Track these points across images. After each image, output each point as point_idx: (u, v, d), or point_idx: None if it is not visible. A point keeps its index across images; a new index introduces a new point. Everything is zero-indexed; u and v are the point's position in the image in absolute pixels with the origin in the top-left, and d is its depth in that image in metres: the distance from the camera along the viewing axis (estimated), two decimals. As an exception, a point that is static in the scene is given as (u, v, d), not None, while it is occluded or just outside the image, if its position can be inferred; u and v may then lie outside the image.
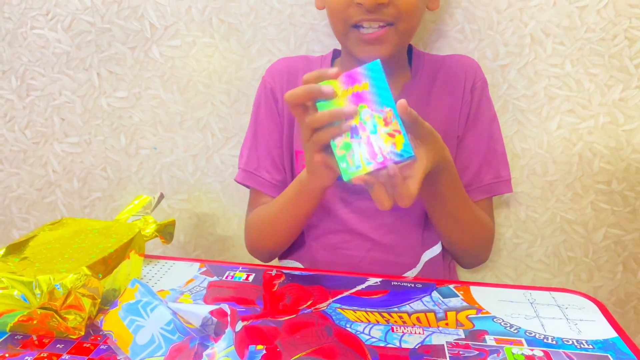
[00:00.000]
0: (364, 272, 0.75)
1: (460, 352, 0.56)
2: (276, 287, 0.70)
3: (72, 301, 0.56)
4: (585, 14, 0.88)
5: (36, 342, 0.57)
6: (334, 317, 0.62)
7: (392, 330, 0.60)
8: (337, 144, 0.55)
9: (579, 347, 0.58)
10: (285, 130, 0.84)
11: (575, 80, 0.91)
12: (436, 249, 0.84)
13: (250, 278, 0.72)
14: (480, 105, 0.83)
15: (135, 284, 0.58)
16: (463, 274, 0.98)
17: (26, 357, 0.54)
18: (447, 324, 0.62)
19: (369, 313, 0.64)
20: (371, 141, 0.54)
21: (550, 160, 0.95)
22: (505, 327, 0.61)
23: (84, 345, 0.56)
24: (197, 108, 1.01)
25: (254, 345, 0.56)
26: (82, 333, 0.58)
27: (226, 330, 0.51)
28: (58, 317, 0.56)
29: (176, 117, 1.02)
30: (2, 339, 0.57)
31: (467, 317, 0.63)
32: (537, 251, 0.99)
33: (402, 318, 0.63)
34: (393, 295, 0.68)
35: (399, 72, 0.83)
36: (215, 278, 0.72)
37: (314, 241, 0.85)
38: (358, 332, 0.59)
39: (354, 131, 0.55)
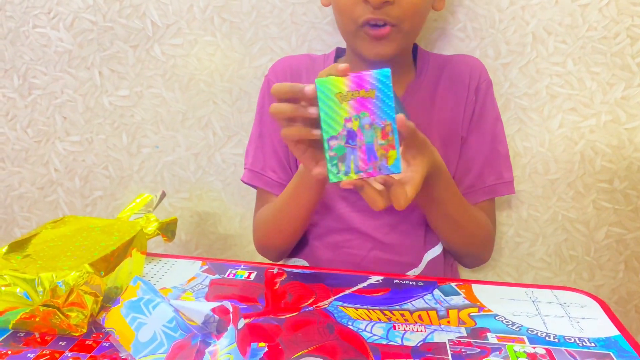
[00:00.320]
0: (366, 270, 0.75)
1: (462, 350, 0.56)
2: (278, 285, 0.70)
3: (74, 299, 0.57)
4: (587, 12, 0.88)
5: (38, 340, 0.57)
6: (335, 315, 0.62)
7: (394, 328, 0.60)
8: (331, 146, 0.55)
9: (581, 345, 0.58)
10: None
11: (577, 79, 0.91)
12: (438, 249, 0.84)
13: (252, 276, 0.72)
14: (485, 106, 0.83)
15: (138, 281, 0.58)
16: (465, 273, 0.98)
17: (29, 354, 0.54)
18: (449, 322, 0.62)
19: (370, 311, 0.64)
20: (365, 150, 0.55)
21: (552, 159, 0.95)
22: (507, 325, 0.61)
23: (87, 342, 0.57)
24: (199, 107, 1.01)
25: (256, 343, 0.56)
26: (85, 330, 0.58)
27: (228, 328, 0.51)
28: (60, 315, 0.56)
29: (178, 115, 1.02)
30: (4, 336, 0.57)
31: (469, 315, 0.63)
32: (538, 250, 0.99)
33: (404, 316, 0.63)
34: (395, 293, 0.68)
35: (404, 72, 0.83)
36: (217, 276, 0.72)
37: (316, 240, 0.85)
38: (360, 330, 0.59)
39: (350, 136, 0.55)
